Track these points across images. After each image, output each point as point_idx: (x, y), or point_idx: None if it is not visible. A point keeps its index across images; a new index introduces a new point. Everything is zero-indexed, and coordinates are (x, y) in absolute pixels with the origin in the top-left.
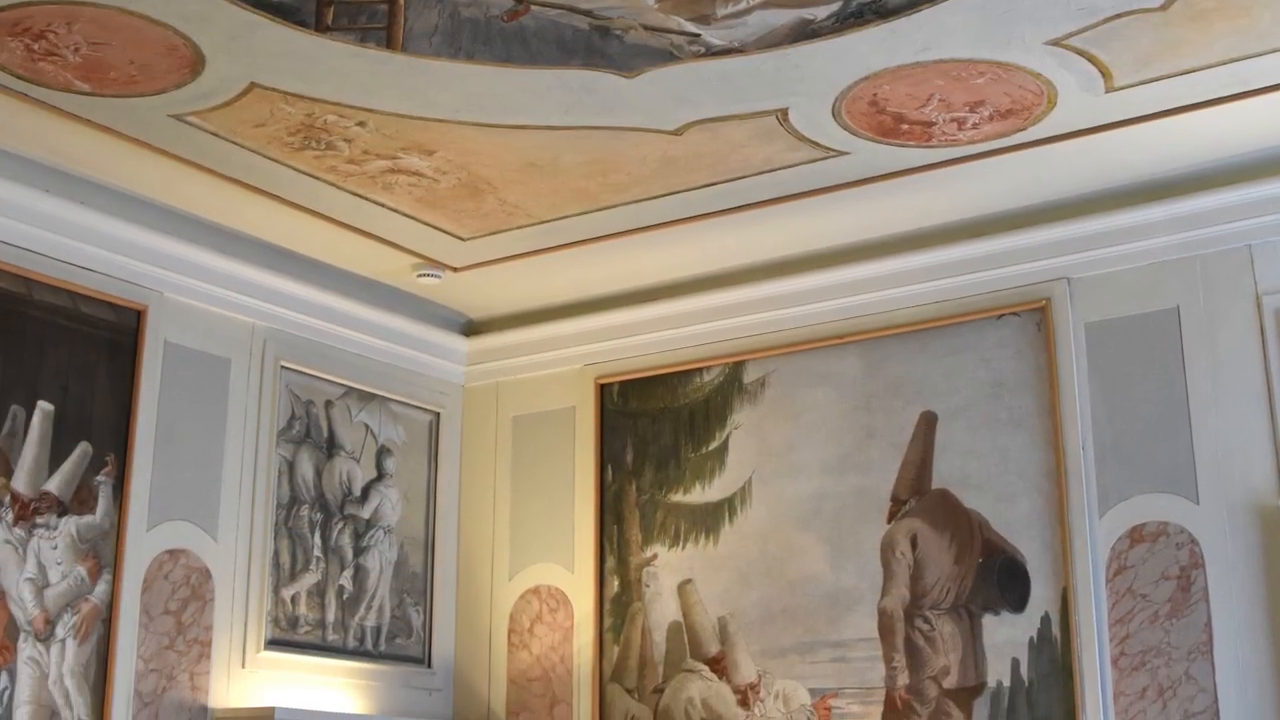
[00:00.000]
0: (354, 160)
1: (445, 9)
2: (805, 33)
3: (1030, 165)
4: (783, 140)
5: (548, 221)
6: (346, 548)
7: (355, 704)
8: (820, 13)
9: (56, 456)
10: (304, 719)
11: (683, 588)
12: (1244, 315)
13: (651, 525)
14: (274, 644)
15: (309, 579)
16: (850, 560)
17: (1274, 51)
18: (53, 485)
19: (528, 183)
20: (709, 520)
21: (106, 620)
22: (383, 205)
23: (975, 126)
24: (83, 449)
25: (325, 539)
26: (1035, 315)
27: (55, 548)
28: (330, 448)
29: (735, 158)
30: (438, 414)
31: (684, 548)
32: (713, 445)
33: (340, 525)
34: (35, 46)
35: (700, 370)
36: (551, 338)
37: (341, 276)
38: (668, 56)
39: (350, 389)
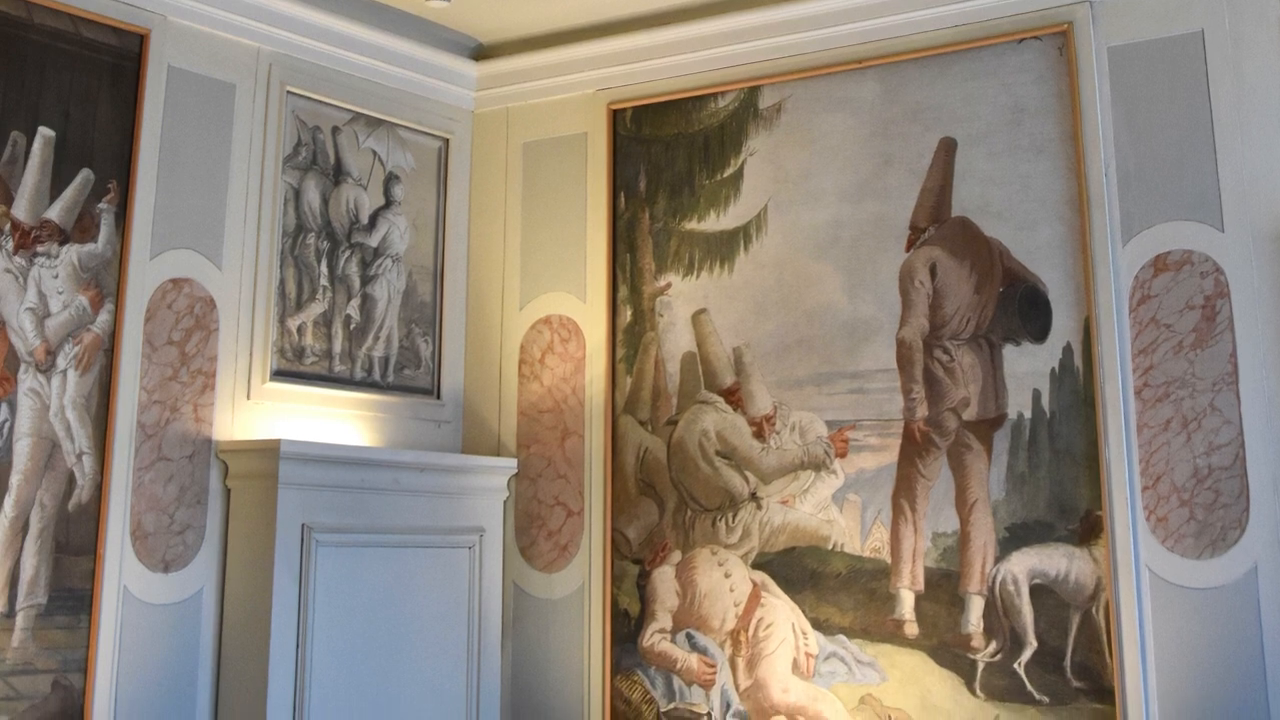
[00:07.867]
0: None
1: None
2: None
3: None
4: None
5: None
6: (354, 277)
7: (362, 436)
8: None
9: (58, 183)
10: (310, 451)
11: (697, 317)
12: (1270, 40)
13: (665, 254)
14: (279, 375)
15: (315, 309)
16: (868, 289)
17: None
18: (54, 213)
19: None
20: (724, 249)
21: (108, 351)
22: None
23: None
24: (84, 176)
25: (332, 268)
26: (1057, 39)
27: (56, 277)
28: (337, 175)
29: None
30: (447, 140)
31: (698, 277)
32: (727, 172)
33: (347, 254)
34: None
35: (715, 95)
36: (563, 62)
37: None
38: None
39: (357, 115)
